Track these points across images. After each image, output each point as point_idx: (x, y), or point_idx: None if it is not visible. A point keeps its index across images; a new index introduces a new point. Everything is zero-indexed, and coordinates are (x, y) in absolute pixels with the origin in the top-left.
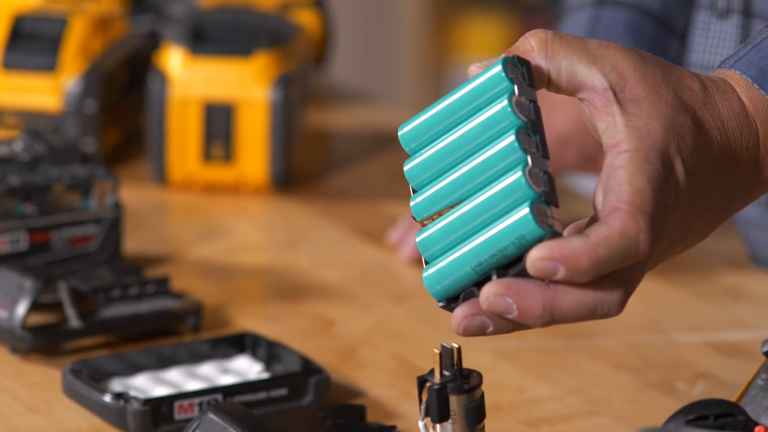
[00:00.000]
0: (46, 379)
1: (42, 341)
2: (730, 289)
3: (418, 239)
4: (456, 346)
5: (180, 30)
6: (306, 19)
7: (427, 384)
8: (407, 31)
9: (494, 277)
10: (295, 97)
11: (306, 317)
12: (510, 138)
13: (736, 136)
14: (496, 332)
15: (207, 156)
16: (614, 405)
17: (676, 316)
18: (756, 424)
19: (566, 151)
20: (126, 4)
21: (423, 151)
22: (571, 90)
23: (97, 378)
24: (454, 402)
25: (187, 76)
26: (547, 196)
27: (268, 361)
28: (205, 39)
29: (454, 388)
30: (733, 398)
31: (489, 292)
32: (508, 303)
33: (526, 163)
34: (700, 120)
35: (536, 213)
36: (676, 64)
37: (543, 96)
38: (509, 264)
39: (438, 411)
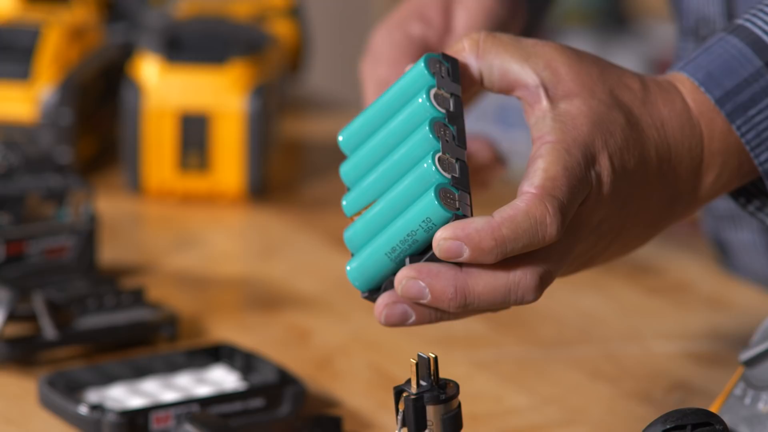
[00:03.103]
0: (21, 390)
1: (17, 352)
2: (707, 299)
3: (345, 236)
4: (433, 356)
5: (155, 39)
6: (282, 28)
7: (404, 394)
8: None
9: (407, 263)
10: (271, 106)
11: (282, 327)
12: (424, 128)
13: (678, 137)
14: (419, 321)
15: (183, 165)
16: (592, 414)
17: (653, 325)
18: None
19: None
20: (101, 13)
21: (356, 152)
22: (506, 88)
23: (73, 389)
24: (431, 412)
25: (162, 85)
26: (457, 182)
27: (245, 372)
28: (180, 49)
29: (431, 398)
30: (710, 407)
31: (401, 276)
32: (421, 286)
33: (437, 150)
34: (636, 118)
35: (442, 197)
36: (617, 65)
37: None
38: (423, 251)
39: (415, 421)
